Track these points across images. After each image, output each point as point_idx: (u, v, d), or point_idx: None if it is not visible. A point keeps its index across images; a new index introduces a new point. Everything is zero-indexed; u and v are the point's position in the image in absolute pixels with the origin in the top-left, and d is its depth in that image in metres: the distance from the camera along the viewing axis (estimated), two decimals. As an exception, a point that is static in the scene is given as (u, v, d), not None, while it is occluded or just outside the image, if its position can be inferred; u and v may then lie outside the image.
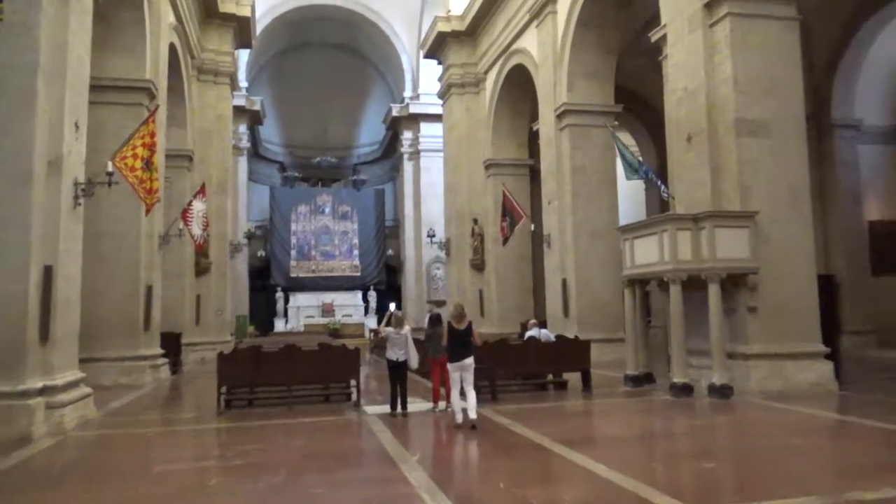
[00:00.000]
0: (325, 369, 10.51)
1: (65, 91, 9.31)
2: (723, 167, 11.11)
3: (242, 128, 32.17)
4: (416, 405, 10.04)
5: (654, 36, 13.13)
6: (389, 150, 39.62)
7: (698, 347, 10.86)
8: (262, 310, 33.98)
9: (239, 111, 29.54)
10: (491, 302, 23.29)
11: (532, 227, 21.13)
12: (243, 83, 30.79)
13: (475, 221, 24.00)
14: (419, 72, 34.87)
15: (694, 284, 10.70)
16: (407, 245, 34.68)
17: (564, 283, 17.32)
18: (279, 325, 34.06)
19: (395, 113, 35.04)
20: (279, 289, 35.10)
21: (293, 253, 35.83)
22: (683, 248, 10.69)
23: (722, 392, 10.13)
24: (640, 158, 12.92)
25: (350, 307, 35.24)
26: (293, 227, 36.00)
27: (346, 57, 39.24)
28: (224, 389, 10.41)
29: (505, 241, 19.63)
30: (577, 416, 9.88)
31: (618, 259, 17.48)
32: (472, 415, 8.40)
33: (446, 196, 26.47)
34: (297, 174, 38.27)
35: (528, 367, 11.30)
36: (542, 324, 14.01)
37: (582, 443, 7.50)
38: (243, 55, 30.39)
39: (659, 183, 12.48)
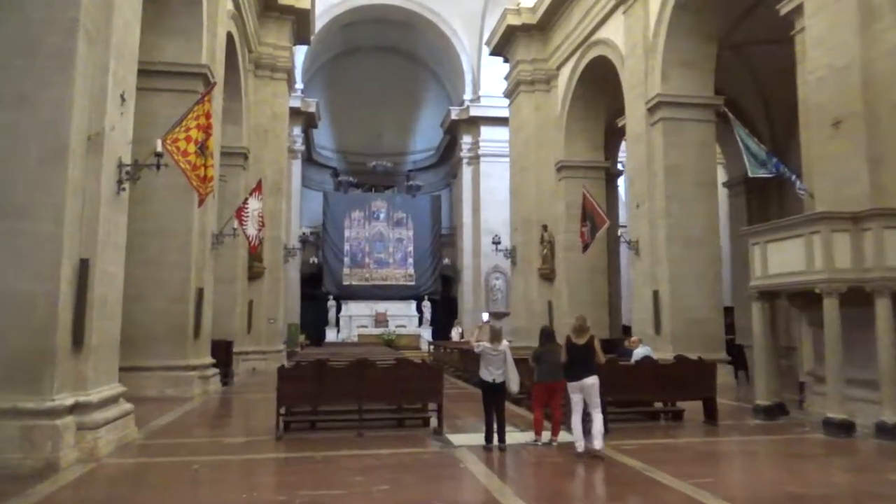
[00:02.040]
0: (401, 389, 8.86)
1: (109, 56, 7.95)
2: (885, 157, 9.11)
3: (297, 130, 31.06)
4: (511, 436, 8.27)
5: (785, 8, 11.22)
6: (445, 155, 38.13)
7: (856, 377, 8.85)
8: (313, 318, 32.69)
9: (294, 113, 28.37)
10: (561, 315, 21.35)
11: (605, 233, 19.18)
12: (298, 85, 29.73)
13: (544, 228, 22.19)
14: (480, 73, 33.33)
15: (851, 299, 8.71)
16: (464, 254, 32.98)
17: (656, 296, 15.36)
18: (330, 334, 32.69)
19: (454, 116, 33.52)
20: (331, 297, 33.78)
21: (346, 260, 34.50)
22: (841, 254, 8.74)
23: (894, 432, 8.11)
24: (766, 149, 10.92)
25: (403, 317, 33.65)
26: (346, 233, 34.70)
27: (401, 60, 38.03)
28: (283, 410, 8.86)
29: (585, 247, 17.78)
30: (724, 460, 7.95)
31: (717, 271, 15.71)
32: (598, 444, 7.47)
33: (512, 201, 24.72)
34: (351, 178, 37.00)
35: (642, 393, 9.43)
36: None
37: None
38: (298, 57, 29.33)
39: (794, 179, 10.54)
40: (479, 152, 32.63)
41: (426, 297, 34.61)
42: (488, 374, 7.94)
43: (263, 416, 10.63)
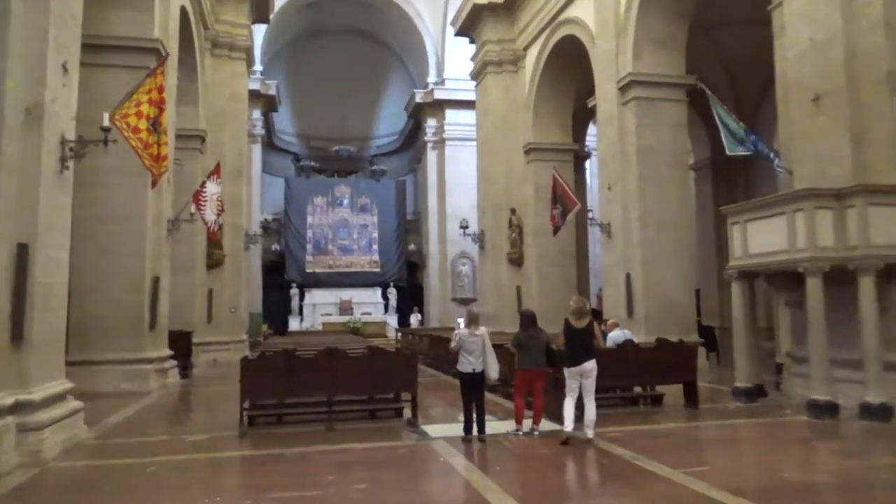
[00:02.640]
0: (374, 379, 8.36)
1: (49, 20, 7.21)
2: (868, 134, 8.92)
3: (256, 114, 30.02)
4: (490, 425, 7.84)
5: (763, -20, 10.94)
6: (410, 140, 37.48)
7: (839, 357, 8.68)
8: (276, 308, 31.86)
9: (253, 95, 27.28)
10: (531, 300, 21.07)
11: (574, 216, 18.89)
12: (257, 66, 28.67)
13: (513, 212, 21.81)
14: (444, 56, 32.73)
15: (834, 278, 8.52)
16: (430, 239, 32.45)
17: (628, 279, 15.13)
18: (293, 323, 31.95)
19: (418, 99, 32.86)
20: (294, 285, 32.97)
21: (309, 247, 33.69)
22: (823, 231, 8.53)
23: (879, 413, 7.95)
24: (744, 126, 10.67)
25: (369, 305, 33.09)
26: (309, 219, 33.88)
27: (364, 43, 37.15)
28: (247, 404, 8.31)
29: (556, 230, 17.46)
30: (714, 446, 7.65)
31: (689, 254, 15.56)
32: (590, 433, 7.34)
33: (480, 185, 24.28)
34: (313, 164, 36.08)
35: (624, 377, 9.11)
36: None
37: (767, 496, 5.28)
38: (257, 38, 28.27)
39: (773, 156, 10.32)
40: (445, 136, 32.08)
41: (392, 284, 34.10)
42: (467, 363, 7.49)
43: (226, 411, 10.00)
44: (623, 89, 15.51)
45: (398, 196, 35.38)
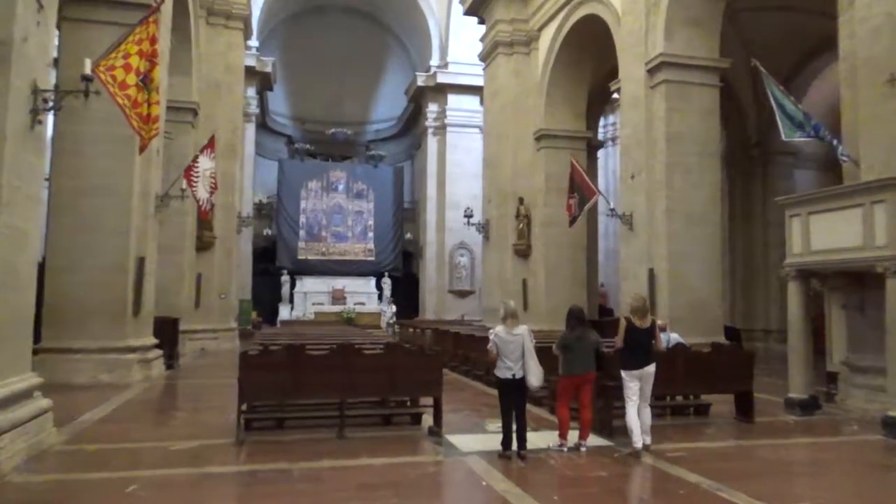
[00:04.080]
0: (393, 380, 7.24)
1: (20, -58, 5.99)
2: (955, 117, 7.88)
3: (251, 92, 28.58)
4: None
5: (827, -52, 9.86)
6: (409, 126, 36.23)
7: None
8: (266, 295, 30.60)
9: (248, 72, 25.93)
10: (538, 295, 20.07)
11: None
12: (253, 42, 27.25)
13: (521, 201, 20.71)
14: (448, 38, 31.49)
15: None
16: (428, 229, 31.25)
17: (652, 275, 14.09)
18: (284, 311, 30.69)
19: (420, 82, 31.57)
20: (285, 272, 31.70)
21: (302, 233, 32.40)
22: (908, 227, 7.49)
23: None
24: (803, 109, 9.62)
25: (363, 294, 31.89)
26: (303, 204, 32.57)
27: (363, 24, 35.79)
28: (245, 406, 7.17)
29: (572, 221, 16.36)
30: (798, 471, 6.54)
31: (719, 250, 14.53)
32: (647, 439, 6.76)
33: (485, 172, 23.14)
34: (308, 146, 34.74)
35: (674, 385, 8.06)
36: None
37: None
38: (253, 13, 26.91)
39: (836, 143, 9.26)
40: (446, 122, 30.90)
41: (386, 274, 32.90)
42: (506, 368, 6.39)
43: (218, 409, 8.93)
44: (652, 71, 14.42)
45: (396, 183, 34.18)
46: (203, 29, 19.03)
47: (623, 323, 6.99)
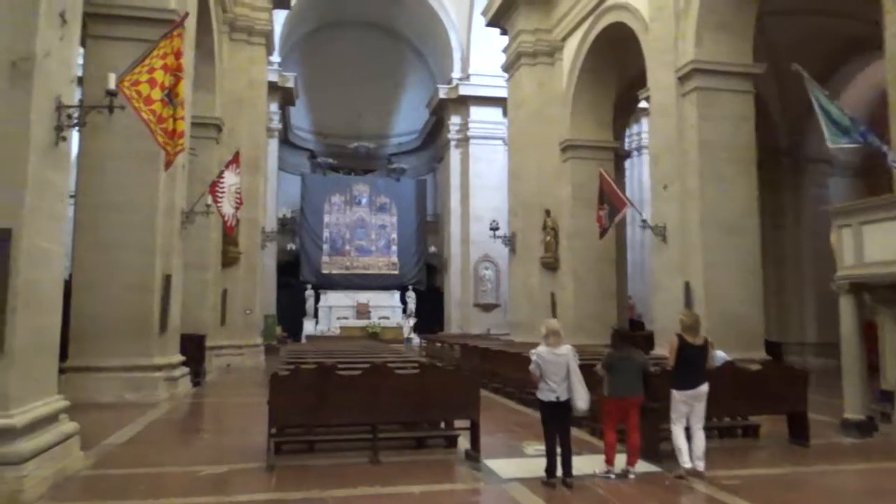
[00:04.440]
0: (427, 402, 6.94)
1: (43, -44, 5.86)
2: None
3: (273, 107, 28.66)
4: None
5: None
6: (430, 139, 36.11)
7: None
8: (289, 309, 30.49)
9: (270, 88, 25.99)
10: (566, 308, 19.65)
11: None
12: (275, 58, 27.32)
13: (547, 213, 20.38)
14: (469, 50, 31.36)
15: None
16: (452, 242, 30.98)
17: (687, 288, 13.66)
18: (308, 326, 30.54)
19: (441, 95, 31.43)
20: (308, 286, 31.60)
21: (325, 247, 32.32)
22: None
23: None
24: (850, 115, 9.20)
25: (387, 308, 31.66)
26: (326, 218, 32.51)
27: (384, 37, 35.85)
28: (274, 430, 6.91)
29: (603, 233, 15.99)
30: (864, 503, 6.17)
31: (755, 260, 14.05)
32: (701, 465, 6.41)
33: (510, 184, 22.85)
34: (330, 160, 34.74)
35: (724, 405, 7.64)
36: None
37: None
38: (276, 27, 27.02)
39: (885, 149, 8.83)
40: (469, 134, 30.71)
41: (410, 287, 32.66)
42: (549, 390, 6.05)
43: (245, 431, 8.70)
44: (683, 79, 14.06)
45: (419, 196, 34.01)
46: (226, 45, 19.06)
47: (675, 341, 6.66)
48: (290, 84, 29.14)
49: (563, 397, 6.05)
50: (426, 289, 33.36)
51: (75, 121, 6.21)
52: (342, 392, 6.68)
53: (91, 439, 7.55)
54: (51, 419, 6.13)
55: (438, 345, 20.25)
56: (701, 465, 6.34)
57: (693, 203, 13.71)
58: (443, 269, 32.56)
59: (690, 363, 6.56)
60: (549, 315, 20.15)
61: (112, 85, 6.66)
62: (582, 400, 6.06)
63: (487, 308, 29.89)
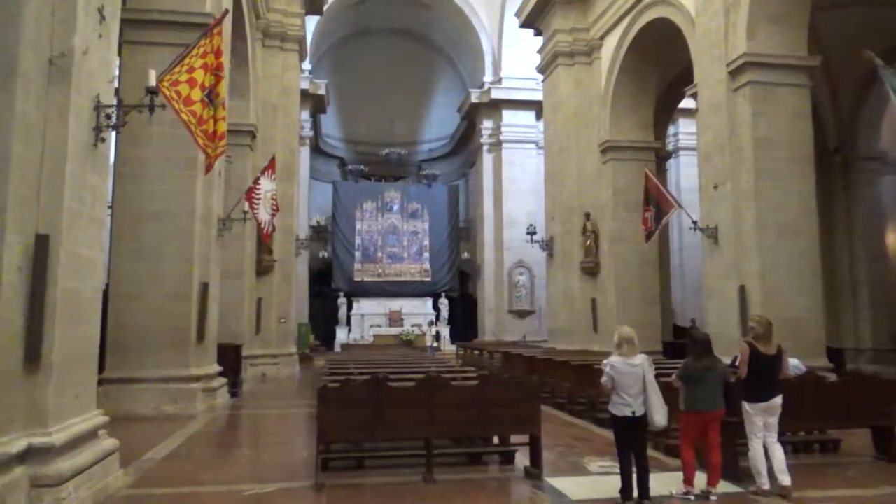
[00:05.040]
0: (485, 415, 6.47)
1: (81, -53, 5.57)
2: None
3: (304, 115, 28.55)
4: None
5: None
6: (461, 144, 35.73)
7: None
8: (322, 318, 30.27)
9: (302, 95, 25.81)
10: (607, 314, 19.02)
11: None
12: (306, 65, 27.17)
13: (587, 217, 19.80)
14: (501, 54, 30.96)
15: None
16: (485, 247, 30.49)
17: (742, 292, 12.99)
18: (341, 334, 30.30)
19: (474, 99, 31.02)
20: (341, 294, 31.35)
21: (357, 255, 32.07)
22: None
23: None
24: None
25: (419, 316, 31.23)
26: (358, 225, 32.27)
27: (414, 44, 35.62)
28: (321, 446, 6.49)
29: (649, 235, 15.38)
30: None
31: (814, 263, 13.33)
32: (786, 479, 5.91)
33: (547, 187, 22.31)
34: (362, 167, 34.54)
35: (802, 418, 7.05)
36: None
37: None
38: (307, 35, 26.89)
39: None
40: (501, 138, 30.25)
41: (443, 294, 32.24)
42: (623, 404, 5.54)
43: (289, 445, 8.36)
44: (734, 73, 13.43)
45: (451, 201, 33.61)
46: (259, 51, 18.89)
47: (745, 349, 6.13)
48: (322, 91, 29.03)
49: (640, 412, 5.54)
50: (459, 295, 32.92)
51: (114, 121, 5.89)
52: (396, 405, 6.24)
53: (130, 454, 7.25)
54: (90, 436, 5.81)
55: (476, 352, 19.75)
56: (787, 480, 5.83)
57: (748, 203, 13.06)
58: (476, 276, 32.09)
59: (763, 374, 6.09)
60: (590, 322, 19.60)
61: (153, 82, 6.35)
62: (660, 414, 5.54)
63: (522, 315, 29.33)
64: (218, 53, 7.49)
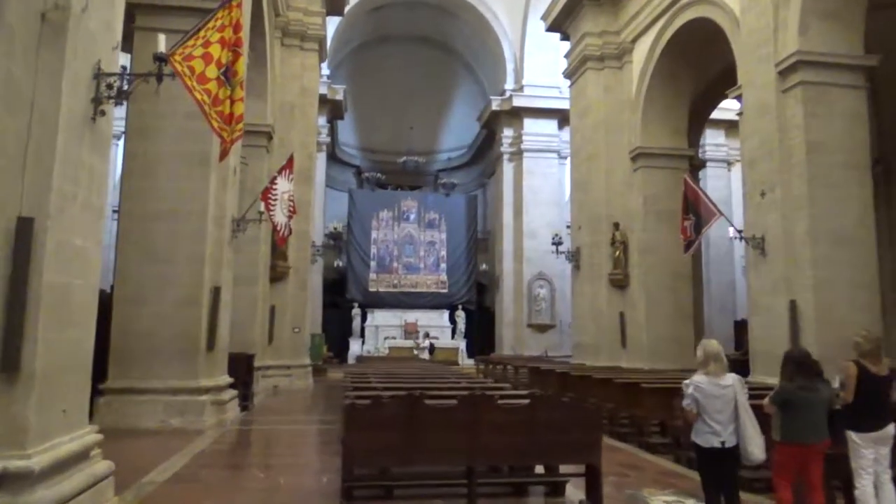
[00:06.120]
0: (536, 441, 5.57)
1: None
2: None
3: (322, 120, 27.85)
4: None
5: None
6: (480, 153, 35.00)
7: None
8: (335, 329, 29.42)
9: (320, 100, 25.06)
10: (637, 329, 18.09)
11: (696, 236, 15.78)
12: (324, 70, 26.50)
13: (616, 226, 18.91)
14: (523, 61, 30.24)
15: None
16: (504, 259, 29.57)
17: (793, 308, 12.02)
18: (355, 346, 29.45)
19: (494, 107, 30.26)
20: (355, 305, 30.52)
21: (373, 265, 31.26)
22: None
23: None
24: None
25: (435, 328, 30.37)
26: (373, 234, 31.49)
27: (433, 51, 35.02)
28: (347, 473, 5.61)
29: (688, 246, 14.44)
30: None
31: (873, 276, 12.35)
32: None
33: (574, 195, 21.43)
34: (378, 174, 33.81)
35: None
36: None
37: None
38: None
39: None
40: (522, 147, 29.44)
41: (460, 307, 31.34)
42: (710, 433, 4.62)
43: (306, 468, 7.50)
44: (784, 73, 12.55)
45: (469, 212, 32.80)
46: (277, 50, 18.21)
47: (852, 369, 5.22)
48: (340, 97, 28.37)
49: (730, 442, 4.63)
50: (476, 308, 32.01)
51: (116, 90, 5.09)
52: (435, 428, 5.36)
53: (129, 476, 6.43)
54: (79, 458, 4.95)
55: (499, 367, 18.81)
56: None
57: (800, 212, 12.13)
58: (494, 288, 31.18)
59: (872, 398, 5.16)
60: (618, 337, 18.65)
61: (162, 47, 5.57)
62: (756, 445, 4.62)
63: (542, 329, 28.36)
64: (237, 27, 6.71)
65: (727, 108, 22.75)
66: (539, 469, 6.52)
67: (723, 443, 4.62)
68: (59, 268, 4.60)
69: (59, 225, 4.55)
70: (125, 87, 5.10)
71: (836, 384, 5.32)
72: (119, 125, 11.97)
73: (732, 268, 27.47)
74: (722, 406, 4.66)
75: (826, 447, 4.94)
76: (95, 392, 9.56)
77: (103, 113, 5.05)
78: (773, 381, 6.44)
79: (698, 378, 4.79)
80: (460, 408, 5.51)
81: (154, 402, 9.91)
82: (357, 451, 5.34)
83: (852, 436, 5.11)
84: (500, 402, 5.70)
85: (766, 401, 5.08)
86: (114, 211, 14.86)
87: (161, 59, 5.43)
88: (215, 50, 6.42)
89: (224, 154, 7.26)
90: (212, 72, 6.39)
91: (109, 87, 5.07)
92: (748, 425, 4.64)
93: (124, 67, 5.48)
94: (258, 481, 7.25)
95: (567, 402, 5.83)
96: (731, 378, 4.78)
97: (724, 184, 26.97)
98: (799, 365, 5.00)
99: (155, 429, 9.57)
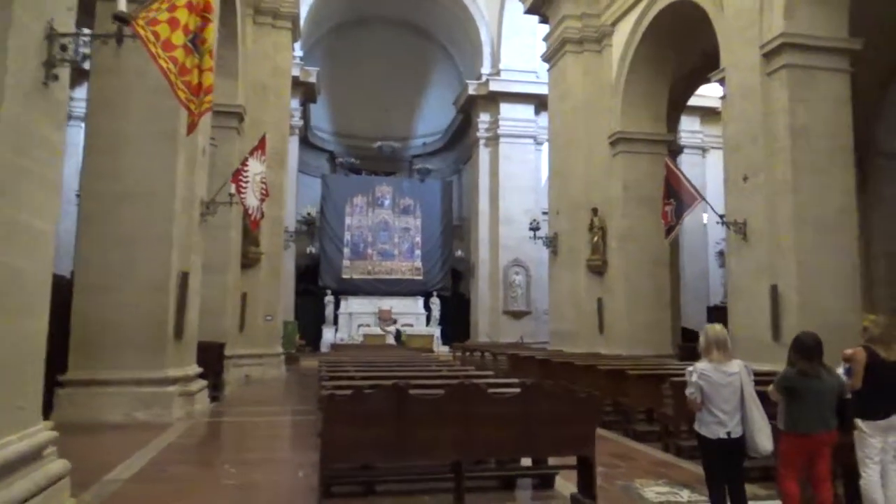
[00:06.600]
0: (530, 433, 5.26)
1: None
2: None
3: (295, 103, 27.13)
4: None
5: None
6: (455, 139, 34.57)
7: None
8: (308, 316, 28.85)
9: (292, 82, 24.38)
10: (615, 316, 17.95)
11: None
12: (297, 52, 25.76)
13: (594, 212, 18.69)
14: (500, 45, 29.86)
15: None
16: (480, 246, 29.29)
17: (775, 293, 11.91)
18: (328, 334, 28.97)
19: (471, 91, 29.86)
20: (328, 292, 30.01)
21: (346, 251, 30.74)
22: None
23: None
24: None
25: (410, 315, 30.02)
26: (347, 220, 30.94)
27: (408, 35, 34.42)
28: (326, 471, 5.24)
29: (668, 231, 14.26)
30: None
31: (854, 263, 12.28)
32: None
33: (552, 181, 21.17)
34: (353, 159, 33.22)
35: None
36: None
37: None
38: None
39: None
40: (499, 132, 29.12)
41: (435, 294, 31.01)
42: (716, 423, 4.35)
43: (280, 462, 7.10)
44: (769, 55, 12.34)
45: (444, 198, 32.40)
46: (249, 28, 17.59)
47: (861, 354, 4.98)
48: (313, 79, 27.74)
49: (737, 433, 4.36)
50: (451, 295, 31.71)
51: (72, 53, 4.59)
52: (423, 421, 5.01)
53: (89, 475, 6.00)
54: (31, 458, 4.50)
55: (476, 354, 18.53)
56: None
57: (784, 197, 11.97)
58: (469, 275, 30.90)
59: (882, 385, 4.91)
60: (596, 323, 18.50)
61: (123, 6, 5.05)
62: (766, 436, 4.37)
63: (518, 315, 28.20)
64: (206, -8, 6.21)
65: (703, 95, 22.74)
66: (526, 461, 6.26)
67: (729, 433, 4.35)
68: (7, 250, 4.12)
69: (9, 204, 4.08)
70: (81, 49, 4.59)
71: (840, 370, 5.08)
72: (81, 106, 11.34)
73: (706, 254, 27.61)
74: (728, 395, 4.39)
75: (834, 438, 4.69)
76: (55, 384, 9.07)
77: (56, 77, 4.56)
78: (755, 366, 6.21)
79: (702, 365, 4.51)
80: (450, 399, 5.15)
81: (118, 395, 9.41)
82: (337, 447, 4.96)
83: (860, 423, 4.88)
84: (491, 394, 5.36)
85: (770, 388, 4.82)
86: (76, 195, 14.23)
87: (121, 20, 4.92)
88: (182, 14, 5.92)
89: (192, 127, 6.76)
90: (178, 38, 5.90)
91: (63, 48, 4.57)
92: (755, 415, 4.39)
93: (80, 29, 4.95)
94: (230, 477, 6.84)
95: (562, 392, 5.53)
96: (737, 365, 4.51)
97: (699, 171, 26.93)
98: (801, 350, 4.73)
99: (119, 422, 9.08)
